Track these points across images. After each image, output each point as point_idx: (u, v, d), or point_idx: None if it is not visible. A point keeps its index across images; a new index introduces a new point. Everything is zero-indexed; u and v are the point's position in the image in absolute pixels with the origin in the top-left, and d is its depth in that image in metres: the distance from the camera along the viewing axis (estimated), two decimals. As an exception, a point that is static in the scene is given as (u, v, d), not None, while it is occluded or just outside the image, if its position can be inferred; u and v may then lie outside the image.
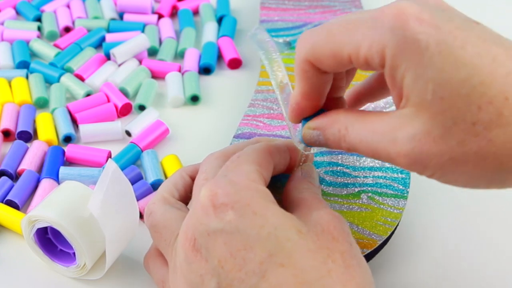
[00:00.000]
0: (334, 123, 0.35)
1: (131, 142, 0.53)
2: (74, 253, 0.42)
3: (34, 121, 0.55)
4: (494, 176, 0.30)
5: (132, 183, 0.49)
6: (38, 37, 0.65)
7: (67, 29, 0.66)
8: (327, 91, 0.36)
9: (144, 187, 0.49)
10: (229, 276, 0.33)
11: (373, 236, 0.41)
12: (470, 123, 0.29)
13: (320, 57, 0.34)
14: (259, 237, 0.32)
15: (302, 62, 0.35)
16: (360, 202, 0.42)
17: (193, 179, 0.42)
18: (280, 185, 0.41)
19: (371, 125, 0.32)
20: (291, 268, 0.32)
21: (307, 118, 0.37)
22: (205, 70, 0.62)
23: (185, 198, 0.41)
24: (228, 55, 0.63)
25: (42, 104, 0.57)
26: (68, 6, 0.69)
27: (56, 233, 0.43)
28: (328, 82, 0.36)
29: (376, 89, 0.40)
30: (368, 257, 0.42)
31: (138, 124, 0.55)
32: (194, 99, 0.59)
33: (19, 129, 0.54)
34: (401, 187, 0.44)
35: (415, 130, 0.30)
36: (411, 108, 0.30)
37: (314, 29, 0.34)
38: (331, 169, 0.44)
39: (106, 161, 0.52)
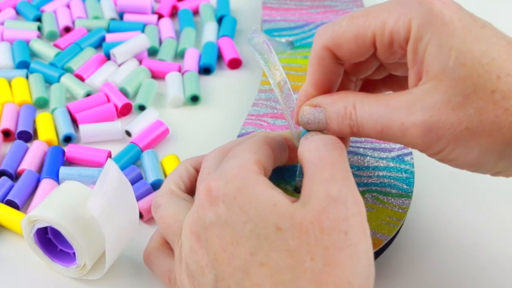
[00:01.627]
0: (340, 100, 0.35)
1: (131, 142, 0.53)
2: (74, 253, 0.42)
3: (34, 121, 0.55)
4: (506, 150, 0.31)
5: (132, 183, 0.49)
6: (38, 37, 0.65)
7: (67, 29, 0.66)
8: (336, 87, 0.37)
9: (144, 187, 0.49)
10: (222, 269, 0.33)
11: (378, 235, 0.41)
12: (490, 91, 0.31)
13: (342, 42, 0.35)
14: (243, 234, 0.32)
15: (320, 49, 0.35)
16: (365, 201, 0.42)
17: (197, 170, 0.42)
18: (288, 177, 0.41)
19: (384, 100, 0.33)
20: (269, 267, 0.32)
21: None
22: (205, 70, 0.62)
23: (191, 189, 0.42)
24: (228, 55, 0.63)
25: (42, 104, 0.57)
26: (68, 6, 0.69)
27: (56, 233, 0.43)
28: (340, 75, 0.37)
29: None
30: (373, 256, 0.42)
31: (138, 124, 0.55)
32: (194, 99, 0.59)
33: (19, 129, 0.54)
34: (405, 186, 0.44)
35: (434, 100, 0.31)
36: (431, 82, 0.32)
37: (334, 21, 0.35)
38: None
39: (106, 161, 0.52)
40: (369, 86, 0.41)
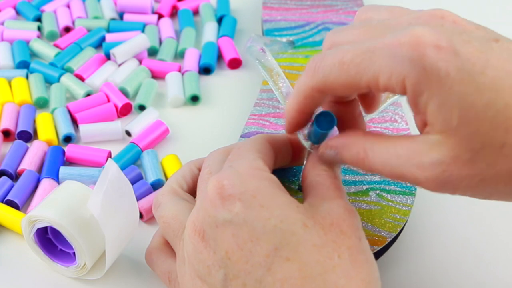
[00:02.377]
0: (352, 145, 0.34)
1: (131, 142, 0.53)
2: (74, 253, 0.42)
3: (34, 121, 0.55)
4: None
5: (132, 183, 0.49)
6: (38, 37, 0.65)
7: (67, 29, 0.66)
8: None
9: (144, 187, 0.49)
10: (236, 267, 0.33)
11: (382, 233, 0.41)
12: (499, 146, 0.29)
13: (334, 87, 0.33)
14: (265, 230, 0.33)
15: (310, 90, 0.34)
16: (369, 199, 0.43)
17: None
18: (292, 177, 0.41)
19: (393, 149, 0.32)
20: (296, 262, 0.32)
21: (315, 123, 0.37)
22: (205, 70, 0.62)
23: (194, 190, 0.42)
24: (228, 55, 0.63)
25: (42, 104, 0.57)
26: (68, 6, 0.69)
27: (56, 233, 0.43)
28: (325, 99, 0.36)
29: None
30: (378, 254, 0.42)
31: (138, 124, 0.55)
32: (194, 99, 0.59)
33: (19, 129, 0.54)
34: (408, 184, 0.44)
35: (442, 156, 0.30)
36: (437, 134, 0.30)
37: (324, 57, 0.33)
38: None
39: (106, 161, 0.52)
40: None
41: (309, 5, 0.65)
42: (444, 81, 0.29)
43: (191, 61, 0.62)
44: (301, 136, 0.39)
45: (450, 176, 0.30)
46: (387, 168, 0.32)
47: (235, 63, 0.63)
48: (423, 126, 0.31)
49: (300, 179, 0.42)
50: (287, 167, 0.42)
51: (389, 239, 0.41)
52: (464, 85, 0.29)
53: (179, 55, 0.64)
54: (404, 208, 0.42)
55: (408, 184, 0.44)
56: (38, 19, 0.68)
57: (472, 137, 0.29)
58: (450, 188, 0.31)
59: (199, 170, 0.42)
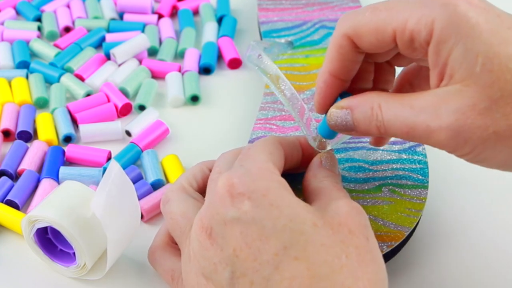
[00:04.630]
0: (366, 101, 0.35)
1: (131, 142, 0.53)
2: (74, 253, 0.42)
3: (34, 121, 0.55)
4: None
5: (132, 183, 0.49)
6: (38, 37, 0.65)
7: (67, 29, 0.66)
8: (355, 73, 0.37)
9: (144, 187, 0.49)
10: (243, 265, 0.33)
11: (399, 228, 0.41)
12: None
13: (362, 33, 0.34)
14: (274, 229, 0.33)
15: (340, 37, 0.35)
16: (382, 195, 0.43)
17: None
18: (300, 185, 0.41)
19: (408, 101, 0.33)
20: (305, 261, 0.32)
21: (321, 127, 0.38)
22: (205, 70, 0.62)
23: (203, 189, 0.42)
24: (228, 55, 0.63)
25: (42, 104, 0.57)
26: (68, 6, 0.69)
27: (56, 233, 0.43)
28: (359, 62, 0.36)
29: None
30: (396, 249, 0.42)
31: (138, 124, 0.55)
32: (194, 99, 0.59)
33: (19, 129, 0.54)
34: (420, 177, 0.44)
35: (460, 104, 0.31)
36: (456, 84, 0.31)
37: (356, 9, 0.35)
38: (349, 165, 0.45)
39: (106, 161, 0.52)
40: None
41: (304, 4, 0.64)
42: (473, 29, 0.31)
43: (191, 61, 0.62)
44: (310, 137, 0.39)
45: (463, 125, 0.31)
46: (399, 120, 0.33)
47: (235, 63, 0.63)
48: (439, 80, 0.32)
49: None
50: (297, 172, 0.42)
51: (407, 234, 0.41)
52: (491, 35, 0.31)
53: (179, 55, 0.64)
54: (418, 201, 0.42)
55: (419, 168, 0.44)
56: (38, 19, 0.68)
57: (492, 86, 0.30)
58: (462, 139, 0.31)
59: (210, 171, 0.42)
